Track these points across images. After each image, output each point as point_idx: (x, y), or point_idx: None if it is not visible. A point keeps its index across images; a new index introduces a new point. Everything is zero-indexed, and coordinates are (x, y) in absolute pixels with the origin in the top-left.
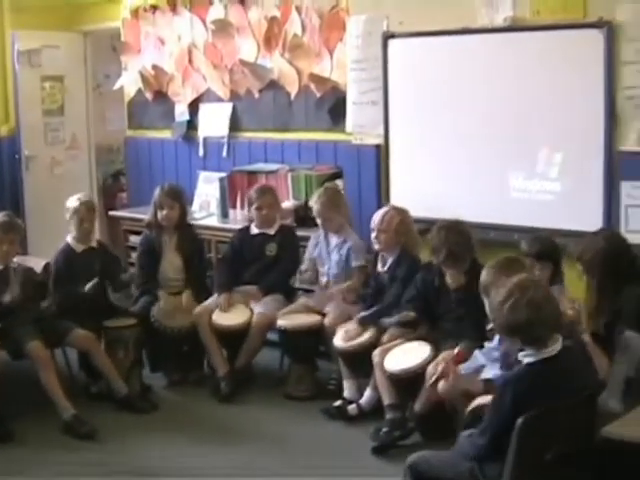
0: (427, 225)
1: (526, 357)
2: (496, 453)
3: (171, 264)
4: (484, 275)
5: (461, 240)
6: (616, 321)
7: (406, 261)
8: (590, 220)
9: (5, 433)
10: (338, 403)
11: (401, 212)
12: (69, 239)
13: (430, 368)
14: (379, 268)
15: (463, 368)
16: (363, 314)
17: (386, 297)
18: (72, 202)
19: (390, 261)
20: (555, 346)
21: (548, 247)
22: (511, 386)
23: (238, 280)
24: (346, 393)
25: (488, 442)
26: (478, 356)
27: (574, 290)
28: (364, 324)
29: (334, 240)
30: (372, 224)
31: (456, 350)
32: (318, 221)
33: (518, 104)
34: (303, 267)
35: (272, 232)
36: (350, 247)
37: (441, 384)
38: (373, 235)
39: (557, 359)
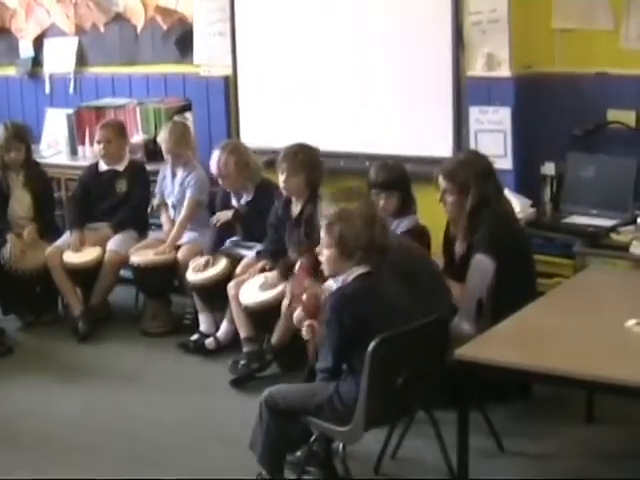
0: (277, 156)
1: (348, 277)
2: (349, 376)
3: (20, 203)
4: (323, 207)
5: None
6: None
7: (265, 194)
8: (441, 146)
9: None
10: (195, 337)
11: (232, 151)
12: None
13: (284, 302)
14: (234, 203)
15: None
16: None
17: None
18: None
19: (247, 196)
20: (367, 266)
21: (395, 176)
22: (332, 297)
23: (90, 217)
24: (202, 327)
25: (333, 361)
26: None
27: (429, 218)
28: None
29: (180, 173)
30: (213, 171)
31: (298, 264)
32: (167, 157)
33: (368, 31)
34: (155, 202)
35: (121, 168)
36: (191, 180)
37: (296, 314)
38: (220, 182)
39: (369, 276)
